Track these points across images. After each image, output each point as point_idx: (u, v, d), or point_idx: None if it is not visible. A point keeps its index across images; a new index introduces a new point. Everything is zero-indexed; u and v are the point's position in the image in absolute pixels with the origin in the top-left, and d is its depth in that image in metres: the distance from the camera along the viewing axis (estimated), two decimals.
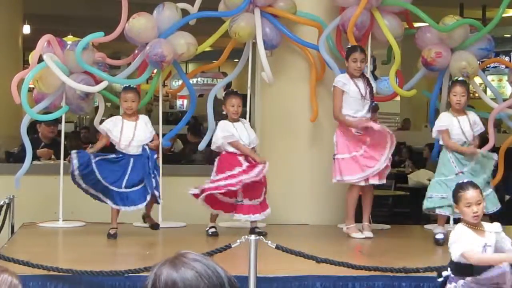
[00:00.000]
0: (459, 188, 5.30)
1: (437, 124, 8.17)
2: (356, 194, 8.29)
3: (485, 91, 10.65)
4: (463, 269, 5.11)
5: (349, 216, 8.28)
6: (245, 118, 9.08)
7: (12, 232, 8.33)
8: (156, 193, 8.01)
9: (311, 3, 9.32)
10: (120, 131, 8.08)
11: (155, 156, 8.19)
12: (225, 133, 8.14)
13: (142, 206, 8.03)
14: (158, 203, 8.25)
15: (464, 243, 5.10)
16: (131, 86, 8.41)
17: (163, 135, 9.24)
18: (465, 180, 5.49)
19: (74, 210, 8.97)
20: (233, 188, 7.91)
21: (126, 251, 7.79)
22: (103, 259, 7.07)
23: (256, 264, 5.84)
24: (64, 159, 9.17)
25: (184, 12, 9.10)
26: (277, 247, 6.13)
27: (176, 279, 2.21)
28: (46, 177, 9.23)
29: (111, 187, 7.99)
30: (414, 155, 14.63)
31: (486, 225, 5.22)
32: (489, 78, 12.75)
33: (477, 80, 9.93)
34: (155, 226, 8.28)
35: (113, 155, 8.10)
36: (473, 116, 8.16)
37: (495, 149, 9.17)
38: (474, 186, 5.26)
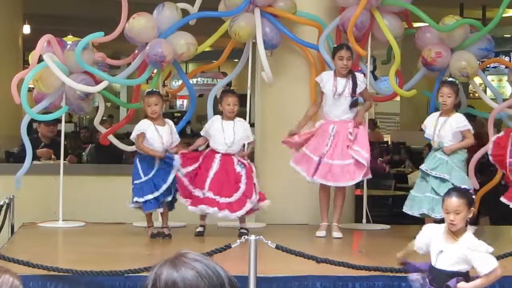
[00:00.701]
0: (447, 192, 5.31)
1: None
2: (322, 194, 8.30)
3: (485, 91, 10.65)
4: None
5: (321, 215, 8.37)
6: (245, 118, 9.08)
7: (12, 232, 8.33)
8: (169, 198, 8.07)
9: (311, 3, 9.32)
10: (156, 135, 8.06)
11: (180, 162, 8.17)
12: (206, 126, 8.27)
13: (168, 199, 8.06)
14: (173, 209, 8.23)
15: (418, 239, 5.31)
16: (154, 90, 8.37)
17: None
18: (461, 186, 5.52)
19: (74, 210, 8.97)
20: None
21: (126, 251, 7.78)
22: (103, 259, 7.06)
23: (256, 264, 5.84)
24: (64, 159, 9.18)
25: (184, 12, 9.10)
26: (277, 247, 6.13)
27: (177, 279, 2.21)
28: (46, 177, 9.23)
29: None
30: (414, 155, 14.64)
31: (467, 238, 5.11)
32: (489, 78, 12.75)
33: (477, 80, 9.92)
34: (168, 236, 8.19)
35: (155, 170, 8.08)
36: (455, 120, 8.01)
37: None
38: (459, 195, 5.16)
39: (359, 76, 8.38)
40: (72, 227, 8.80)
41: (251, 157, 9.69)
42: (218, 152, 8.13)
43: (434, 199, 7.77)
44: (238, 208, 8.02)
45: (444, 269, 5.09)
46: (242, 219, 8.20)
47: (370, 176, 8.28)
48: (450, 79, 8.30)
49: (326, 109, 8.29)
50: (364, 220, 9.23)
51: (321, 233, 8.25)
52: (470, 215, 5.13)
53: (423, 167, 7.99)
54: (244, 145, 8.31)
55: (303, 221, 9.08)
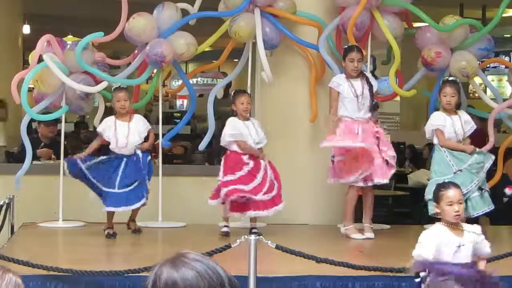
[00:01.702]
0: (441, 186, 5.33)
1: (432, 124, 8.14)
2: (355, 195, 8.26)
3: (485, 91, 10.65)
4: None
5: (348, 217, 8.24)
6: None
7: (12, 232, 8.33)
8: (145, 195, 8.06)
9: (311, 3, 9.32)
10: (114, 132, 8.08)
11: (148, 158, 8.18)
12: (233, 131, 8.13)
13: (135, 207, 8.04)
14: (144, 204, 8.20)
15: (426, 248, 5.09)
16: (121, 86, 8.39)
17: (163, 135, 9.24)
18: (446, 180, 5.54)
19: (74, 210, 8.96)
20: (246, 195, 7.96)
21: (126, 251, 7.79)
22: (103, 259, 7.07)
23: (256, 264, 5.84)
24: (64, 159, 9.18)
25: (184, 12, 9.10)
26: (277, 247, 6.13)
27: (177, 279, 2.21)
28: (46, 177, 9.23)
29: (106, 189, 8.02)
30: (414, 155, 14.62)
31: (466, 225, 5.25)
32: (489, 78, 12.75)
33: (477, 80, 9.92)
34: (137, 231, 8.20)
35: (104, 157, 8.15)
36: (464, 115, 8.19)
37: (495, 149, 9.17)
38: (456, 185, 5.29)
39: (369, 75, 8.40)
40: (72, 227, 8.80)
41: None
42: (245, 154, 8.13)
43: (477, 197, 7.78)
44: (279, 201, 8.12)
45: (465, 262, 5.13)
46: (254, 218, 8.25)
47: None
48: (451, 78, 8.30)
49: (347, 111, 8.15)
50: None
51: (359, 235, 8.17)
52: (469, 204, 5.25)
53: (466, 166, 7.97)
54: None
55: (303, 221, 9.09)
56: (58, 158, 9.37)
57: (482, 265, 5.20)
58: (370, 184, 8.16)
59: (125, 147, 8.07)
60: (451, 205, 5.13)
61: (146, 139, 8.22)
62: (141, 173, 8.02)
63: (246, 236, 5.98)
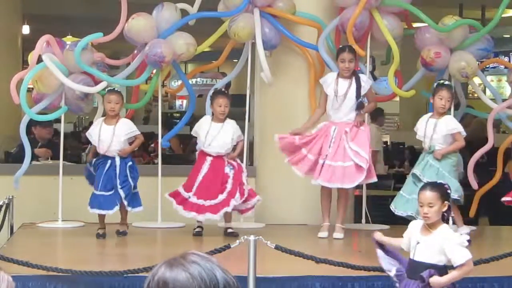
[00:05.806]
0: (421, 186, 5.48)
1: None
2: (324, 195, 8.26)
3: (484, 92, 10.65)
4: None
5: (322, 215, 8.33)
6: (244, 119, 9.09)
7: (12, 232, 8.33)
8: (125, 202, 8.02)
9: (310, 3, 9.32)
10: (98, 135, 8.08)
11: (128, 163, 8.13)
12: (195, 127, 8.35)
13: (109, 212, 8.02)
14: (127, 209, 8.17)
15: (404, 236, 5.41)
16: (116, 89, 8.36)
17: (162, 135, 9.24)
18: (430, 181, 5.62)
19: (74, 210, 8.96)
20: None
21: (125, 252, 7.79)
22: (103, 259, 7.07)
23: (255, 264, 5.84)
24: (64, 160, 9.17)
25: (184, 12, 9.10)
26: (277, 247, 6.13)
27: (168, 279, 2.23)
28: (46, 178, 9.22)
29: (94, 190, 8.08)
30: (413, 156, 14.60)
31: (442, 230, 5.19)
32: (488, 78, 12.74)
33: (476, 80, 9.92)
34: (122, 233, 8.13)
35: (95, 161, 8.19)
36: (444, 121, 8.00)
37: (494, 150, 9.18)
38: (433, 188, 5.28)
39: (363, 77, 8.32)
40: (72, 227, 8.80)
41: (250, 155, 9.71)
42: (210, 155, 8.14)
43: None
44: (222, 208, 8.05)
45: (422, 261, 5.17)
46: (227, 218, 8.20)
47: (375, 179, 8.23)
48: (447, 82, 8.25)
49: (328, 110, 8.24)
50: (363, 221, 9.23)
51: (323, 234, 8.20)
52: (444, 209, 5.20)
53: (416, 172, 7.97)
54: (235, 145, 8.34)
55: (302, 221, 9.08)
56: (57, 158, 9.35)
57: (435, 278, 5.11)
58: (337, 186, 8.12)
59: (106, 151, 8.07)
60: (421, 206, 5.21)
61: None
62: (114, 179, 8.01)
63: (246, 237, 5.98)
